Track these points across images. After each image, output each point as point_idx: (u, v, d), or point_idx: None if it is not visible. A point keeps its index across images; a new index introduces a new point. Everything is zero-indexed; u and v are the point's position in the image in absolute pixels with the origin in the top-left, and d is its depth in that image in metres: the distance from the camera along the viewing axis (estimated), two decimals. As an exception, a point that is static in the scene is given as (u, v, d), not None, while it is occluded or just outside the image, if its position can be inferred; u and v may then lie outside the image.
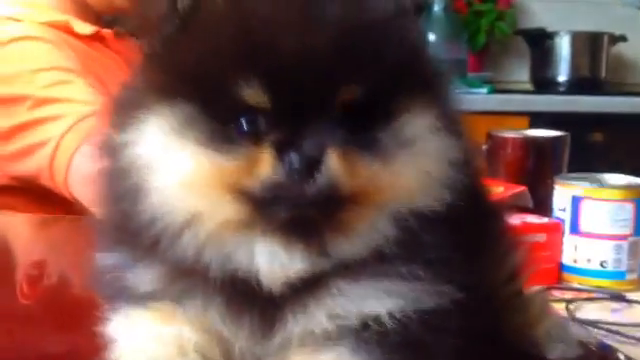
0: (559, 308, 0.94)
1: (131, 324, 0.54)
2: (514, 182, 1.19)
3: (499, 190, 1.11)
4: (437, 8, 2.77)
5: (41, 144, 1.27)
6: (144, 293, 0.54)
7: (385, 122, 0.49)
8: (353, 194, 0.48)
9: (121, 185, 0.52)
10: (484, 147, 1.28)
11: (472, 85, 2.66)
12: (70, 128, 1.25)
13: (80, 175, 1.23)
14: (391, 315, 0.49)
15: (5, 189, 1.37)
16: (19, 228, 1.28)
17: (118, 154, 0.52)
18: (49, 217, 1.31)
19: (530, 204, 1.13)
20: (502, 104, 2.63)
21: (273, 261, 0.50)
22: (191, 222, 0.49)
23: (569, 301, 0.96)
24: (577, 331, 0.84)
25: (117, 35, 1.57)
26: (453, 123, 0.53)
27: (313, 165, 0.46)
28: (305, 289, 0.50)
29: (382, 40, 0.49)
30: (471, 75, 2.79)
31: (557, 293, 1.01)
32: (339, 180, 0.47)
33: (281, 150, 0.47)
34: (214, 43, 0.48)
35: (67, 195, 1.26)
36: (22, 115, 1.30)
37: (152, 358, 0.50)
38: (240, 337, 0.52)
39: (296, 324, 0.50)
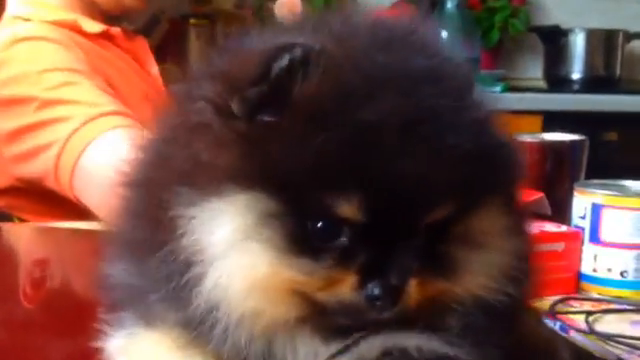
0: (578, 320, 0.91)
1: (139, 347, 0.50)
2: (531, 187, 1.16)
3: (516, 196, 1.08)
4: (450, 5, 2.73)
5: (47, 146, 1.25)
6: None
7: (461, 233, 0.49)
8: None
9: (171, 264, 0.48)
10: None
11: (485, 83, 2.63)
12: (76, 130, 1.23)
13: (86, 178, 1.21)
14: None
15: (11, 190, 1.36)
16: (23, 236, 1.26)
17: (175, 228, 0.47)
18: (52, 226, 1.28)
19: (548, 211, 1.10)
20: (515, 102, 2.59)
21: (312, 354, 0.48)
22: (249, 317, 0.47)
23: (589, 313, 0.94)
24: (594, 346, 0.82)
25: (126, 34, 1.56)
26: (520, 221, 0.55)
27: (395, 298, 0.45)
28: None
29: (484, 169, 0.48)
30: (484, 72, 2.75)
31: (576, 303, 0.99)
32: (410, 305, 0.47)
33: (366, 275, 0.45)
34: (317, 140, 0.44)
35: (72, 197, 1.24)
36: (28, 116, 1.28)
37: None
38: None
39: None
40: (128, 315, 0.53)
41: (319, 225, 0.45)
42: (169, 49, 2.32)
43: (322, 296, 0.46)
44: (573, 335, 0.86)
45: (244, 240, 0.45)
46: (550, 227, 1.03)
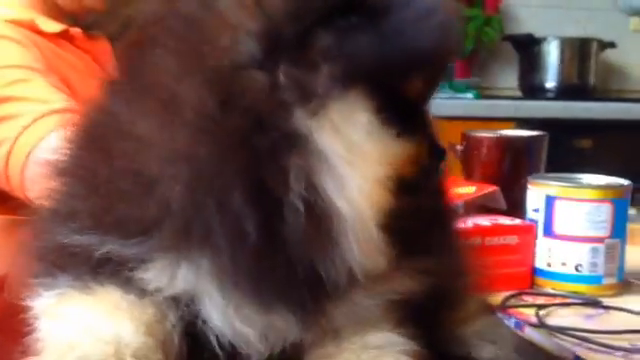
0: (529, 314, 0.89)
1: (65, 308, 0.49)
2: (489, 183, 1.14)
3: (470, 190, 1.06)
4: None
5: None
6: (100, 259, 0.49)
7: None
8: None
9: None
10: (459, 147, 1.23)
11: (458, 90, 2.62)
12: (26, 128, 1.20)
13: (36, 176, 1.18)
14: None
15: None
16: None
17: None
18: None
19: (503, 205, 1.08)
20: (488, 110, 2.59)
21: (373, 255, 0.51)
22: (370, 217, 0.50)
23: (540, 306, 0.92)
24: (543, 338, 0.80)
25: (87, 35, 1.54)
26: None
27: (441, 160, 0.56)
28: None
29: None
30: (458, 81, 2.75)
31: (529, 298, 0.97)
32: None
33: (432, 144, 0.54)
34: (420, 38, 0.50)
35: (23, 197, 1.21)
36: None
37: (83, 355, 0.45)
38: (266, 333, 0.50)
39: (341, 317, 0.52)
40: (64, 277, 0.50)
41: (402, 106, 0.49)
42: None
43: (411, 171, 0.51)
44: (527, 330, 0.84)
45: (374, 138, 0.48)
46: (503, 220, 1.01)
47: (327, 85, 0.47)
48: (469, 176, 1.21)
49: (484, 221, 0.99)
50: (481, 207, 1.05)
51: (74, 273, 0.50)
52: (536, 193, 1.01)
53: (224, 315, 0.49)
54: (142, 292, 0.49)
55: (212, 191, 0.47)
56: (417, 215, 0.52)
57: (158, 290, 0.49)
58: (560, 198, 0.97)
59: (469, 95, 2.61)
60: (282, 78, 0.47)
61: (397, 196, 0.50)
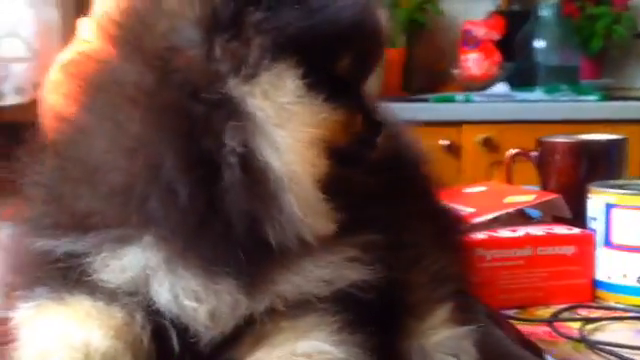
0: (575, 328, 0.85)
1: (41, 319, 0.52)
2: (565, 191, 1.09)
3: (529, 198, 1.02)
4: (546, 13, 2.63)
5: None
6: (92, 280, 0.52)
7: None
8: None
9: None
10: (533, 154, 1.19)
11: (583, 92, 2.50)
12: None
13: None
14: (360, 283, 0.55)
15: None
16: None
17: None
18: None
19: (568, 214, 1.03)
20: (617, 112, 2.45)
21: (318, 217, 0.53)
22: (300, 175, 0.52)
23: (590, 320, 0.87)
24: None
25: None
26: None
27: (380, 128, 0.58)
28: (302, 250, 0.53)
29: None
30: (584, 82, 2.62)
31: (584, 311, 0.92)
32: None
33: (367, 113, 0.57)
34: (344, 17, 0.54)
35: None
36: None
37: None
38: (220, 301, 0.51)
39: (287, 284, 0.53)
40: (40, 289, 0.54)
41: (331, 79, 0.54)
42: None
43: (344, 139, 0.55)
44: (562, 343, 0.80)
45: (302, 101, 0.52)
46: (559, 229, 0.97)
47: (258, 55, 0.51)
48: (544, 184, 1.16)
49: (537, 230, 0.95)
50: (547, 216, 1.01)
51: (49, 285, 0.53)
52: (595, 201, 0.96)
53: (171, 292, 0.51)
54: (110, 298, 0.52)
55: (148, 164, 0.50)
56: (361, 188, 0.56)
57: (116, 286, 0.52)
58: (617, 206, 0.92)
59: (594, 97, 2.48)
60: (217, 52, 0.51)
61: (333, 163, 0.53)
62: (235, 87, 0.51)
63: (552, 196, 1.03)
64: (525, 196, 1.03)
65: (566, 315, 0.90)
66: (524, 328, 0.87)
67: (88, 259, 0.52)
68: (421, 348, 0.58)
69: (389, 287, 0.56)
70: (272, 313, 0.53)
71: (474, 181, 1.37)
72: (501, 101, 2.39)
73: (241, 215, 0.50)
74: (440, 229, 0.71)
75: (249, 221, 0.50)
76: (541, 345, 0.81)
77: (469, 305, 0.65)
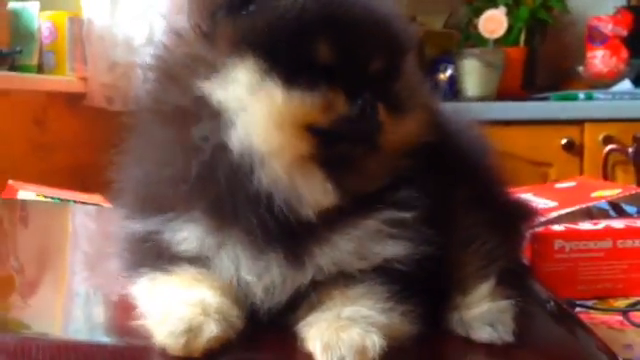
0: None
1: (159, 288, 0.61)
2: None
3: (616, 192, 1.04)
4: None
5: None
6: (174, 256, 0.61)
7: (396, 91, 0.64)
8: (381, 142, 0.61)
9: (207, 129, 0.60)
10: (630, 150, 1.19)
11: None
12: None
13: None
14: (399, 258, 0.60)
15: None
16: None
17: (198, 104, 0.60)
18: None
19: (654, 208, 1.04)
20: None
21: (316, 192, 0.60)
22: (272, 155, 0.59)
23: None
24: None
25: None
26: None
27: (373, 109, 0.60)
28: (329, 225, 0.60)
29: (399, 34, 0.66)
30: None
31: (662, 304, 0.93)
32: (383, 125, 0.61)
33: (351, 95, 0.60)
34: (294, 8, 0.60)
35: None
36: None
37: (180, 318, 0.56)
38: (269, 276, 0.59)
39: (323, 257, 0.59)
40: (146, 269, 0.63)
41: (310, 70, 0.59)
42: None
43: (324, 119, 0.59)
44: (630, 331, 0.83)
45: (256, 89, 0.59)
46: (637, 222, 0.98)
47: (222, 56, 0.59)
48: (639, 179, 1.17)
49: (618, 223, 0.97)
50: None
51: (148, 265, 0.63)
52: (679, 195, 0.96)
53: (233, 271, 0.60)
54: (204, 264, 0.61)
55: (174, 163, 0.61)
56: (364, 161, 0.61)
57: (194, 255, 0.60)
58: (699, 200, 0.93)
59: None
60: (197, 53, 0.61)
61: (318, 141, 0.59)
62: (201, 86, 0.59)
63: (637, 190, 1.04)
64: (611, 191, 1.05)
65: (642, 306, 0.92)
66: (599, 317, 0.90)
67: (162, 235, 0.62)
68: (461, 319, 0.63)
69: (437, 263, 0.61)
70: (324, 284, 0.60)
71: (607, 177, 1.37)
72: (625, 99, 2.33)
73: (254, 198, 0.58)
74: (500, 216, 0.75)
75: (256, 199, 0.58)
76: (609, 332, 0.84)
77: (514, 283, 0.69)
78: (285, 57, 0.59)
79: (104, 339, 0.65)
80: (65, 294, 0.82)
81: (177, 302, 0.57)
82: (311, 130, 0.59)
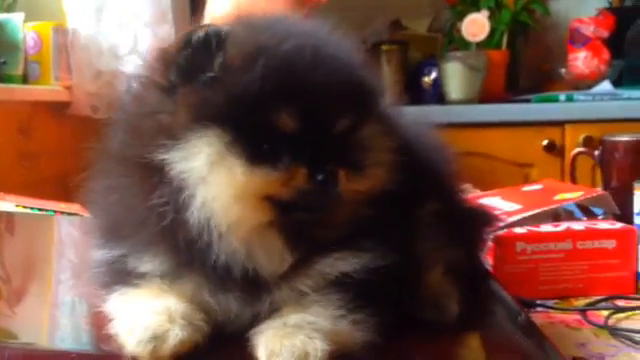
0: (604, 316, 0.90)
1: (128, 300, 0.64)
2: (624, 189, 1.13)
3: (578, 195, 1.07)
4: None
5: None
6: (141, 274, 0.64)
7: (360, 144, 0.65)
8: (343, 200, 0.62)
9: (160, 205, 0.61)
10: (596, 153, 1.22)
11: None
12: None
13: None
14: (354, 272, 0.63)
15: None
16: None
17: (164, 170, 0.61)
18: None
19: (615, 210, 1.07)
20: None
21: (274, 258, 0.62)
22: (231, 226, 0.61)
23: (617, 310, 0.91)
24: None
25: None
26: (389, 126, 0.69)
27: (334, 181, 0.61)
28: (291, 271, 0.62)
29: (363, 89, 0.66)
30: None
31: (621, 302, 0.96)
32: (343, 190, 0.62)
33: (312, 166, 0.61)
34: (248, 78, 0.60)
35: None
36: None
37: (146, 327, 0.59)
38: (228, 307, 0.62)
39: (282, 293, 0.62)
40: (118, 287, 0.66)
41: (270, 139, 0.60)
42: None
43: (285, 192, 0.60)
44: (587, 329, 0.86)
45: (218, 162, 0.60)
46: (602, 224, 1.01)
47: (184, 126, 0.60)
48: (606, 182, 1.20)
49: (578, 225, 1.00)
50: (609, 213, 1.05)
51: (120, 284, 0.65)
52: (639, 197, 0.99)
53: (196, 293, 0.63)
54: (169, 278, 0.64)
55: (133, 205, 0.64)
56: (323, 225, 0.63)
57: (159, 274, 0.63)
58: (655, 201, 0.95)
59: None
60: (158, 118, 0.62)
61: (277, 211, 0.60)
62: (163, 151, 0.60)
63: (598, 192, 1.07)
64: (573, 193, 1.07)
65: (602, 305, 0.95)
66: (558, 316, 0.93)
67: (128, 259, 0.65)
68: (430, 297, 0.68)
69: (393, 273, 0.63)
70: (284, 297, 0.62)
71: (577, 180, 1.39)
72: (605, 100, 2.36)
73: (206, 261, 0.61)
74: (460, 223, 0.79)
75: (213, 267, 0.61)
76: (566, 331, 0.87)
77: (465, 275, 0.73)
78: (246, 129, 0.60)
79: (88, 347, 0.67)
80: (51, 303, 0.84)
81: (144, 312, 0.61)
82: (270, 200, 0.60)
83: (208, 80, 0.61)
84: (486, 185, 1.96)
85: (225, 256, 0.61)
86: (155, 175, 0.61)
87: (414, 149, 0.74)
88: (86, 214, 1.26)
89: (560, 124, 2.33)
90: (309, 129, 0.61)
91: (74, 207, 1.28)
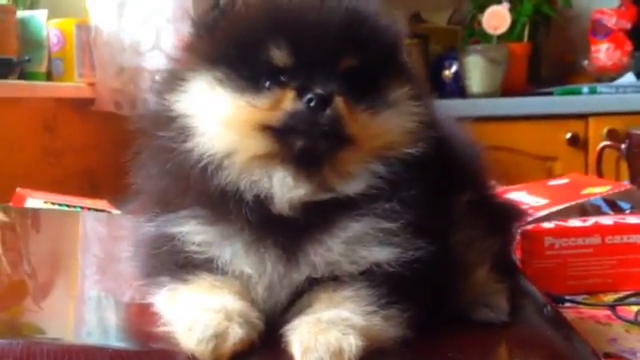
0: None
1: (181, 297, 0.64)
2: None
3: (605, 189, 1.06)
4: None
5: None
6: (189, 256, 0.65)
7: (375, 89, 0.66)
8: (351, 136, 0.63)
9: (173, 135, 0.65)
10: (623, 146, 1.22)
11: None
12: None
13: None
14: (388, 262, 0.63)
15: None
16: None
17: (170, 112, 0.66)
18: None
19: (642, 204, 1.06)
20: None
21: (283, 186, 0.63)
22: (229, 155, 0.63)
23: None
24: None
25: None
26: (421, 97, 0.69)
27: (324, 101, 0.62)
28: (318, 223, 0.63)
29: (373, 33, 0.66)
30: None
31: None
32: (342, 118, 0.62)
33: (300, 91, 0.62)
34: (250, 20, 0.66)
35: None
36: None
37: (206, 325, 0.59)
38: (267, 272, 0.63)
39: (316, 256, 0.63)
40: (165, 278, 0.67)
41: (264, 73, 0.63)
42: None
43: (274, 117, 0.62)
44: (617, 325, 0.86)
45: (209, 96, 0.64)
46: (631, 219, 1.00)
47: (190, 69, 0.66)
48: (633, 175, 1.19)
49: (607, 220, 1.00)
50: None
51: (166, 273, 0.66)
52: (668, 192, 0.99)
53: (235, 265, 0.64)
54: (222, 271, 0.64)
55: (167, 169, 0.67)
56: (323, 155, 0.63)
57: (205, 258, 0.64)
58: (685, 196, 0.95)
59: None
60: (174, 68, 0.69)
61: (272, 139, 0.62)
62: (169, 97, 0.66)
63: (626, 187, 1.06)
64: (601, 187, 1.07)
65: (632, 300, 0.95)
66: (587, 312, 0.92)
67: (170, 232, 0.65)
68: (464, 301, 0.67)
69: (429, 267, 0.63)
70: (315, 286, 0.63)
71: (601, 174, 1.39)
72: (629, 92, 2.34)
73: (220, 192, 0.63)
74: (492, 217, 0.79)
75: (227, 195, 0.63)
76: (596, 327, 0.87)
77: (506, 270, 0.73)
78: (239, 64, 0.64)
79: (115, 343, 0.66)
80: (77, 298, 0.85)
81: (201, 309, 0.61)
82: (266, 129, 0.62)
83: (212, 25, 0.67)
84: (509, 179, 1.96)
85: (232, 185, 0.62)
86: (166, 120, 0.66)
87: (449, 141, 0.74)
88: (113, 210, 1.28)
89: (583, 117, 2.32)
90: (302, 62, 0.63)
91: (100, 203, 1.29)
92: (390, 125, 0.65)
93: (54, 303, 0.79)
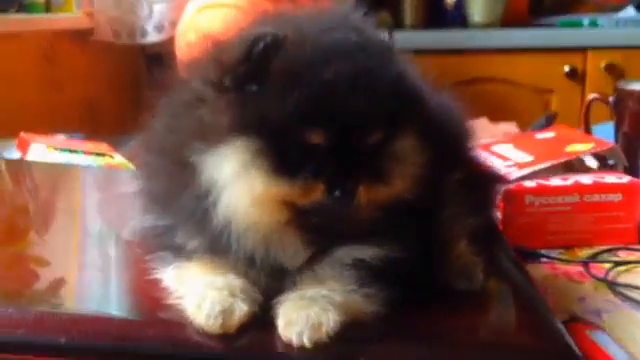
0: (605, 269, 0.94)
1: (184, 275, 0.69)
2: (637, 137, 1.15)
3: (589, 147, 1.10)
4: None
5: None
6: (188, 250, 0.70)
7: (386, 149, 0.67)
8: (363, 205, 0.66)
9: (195, 199, 0.67)
10: (610, 99, 1.24)
11: None
12: None
13: None
14: (371, 258, 0.68)
15: None
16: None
17: (195, 171, 0.66)
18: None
19: (625, 162, 1.10)
20: None
21: (293, 252, 0.68)
22: (252, 225, 0.66)
23: (622, 263, 0.96)
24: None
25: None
26: (430, 136, 0.70)
27: (350, 198, 0.64)
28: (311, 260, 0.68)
29: (401, 108, 0.67)
30: None
31: (623, 254, 1.00)
32: (362, 206, 0.66)
33: (331, 185, 0.64)
34: (288, 96, 0.63)
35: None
36: None
37: (213, 302, 0.64)
38: (259, 283, 0.68)
39: (302, 276, 0.68)
40: (166, 254, 0.72)
41: (296, 152, 0.64)
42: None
43: (303, 202, 0.64)
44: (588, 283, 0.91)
45: (244, 170, 0.64)
46: (610, 178, 1.04)
47: (219, 132, 0.64)
48: (618, 130, 1.22)
49: (586, 179, 1.04)
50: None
51: (172, 254, 0.71)
52: (646, 151, 1.02)
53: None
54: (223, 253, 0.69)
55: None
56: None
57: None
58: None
59: None
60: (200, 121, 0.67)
61: (292, 212, 0.65)
62: (198, 154, 0.65)
63: (609, 145, 1.09)
64: (584, 145, 1.10)
65: (605, 257, 0.99)
66: (561, 267, 0.98)
67: (173, 232, 0.70)
68: (447, 271, 0.73)
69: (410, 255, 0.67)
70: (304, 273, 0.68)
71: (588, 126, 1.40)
72: (629, 26, 2.34)
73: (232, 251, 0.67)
74: (474, 184, 0.82)
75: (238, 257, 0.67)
76: (569, 285, 0.92)
77: (485, 241, 0.78)
78: (275, 142, 0.63)
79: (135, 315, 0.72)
80: (78, 234, 0.92)
81: (207, 287, 0.66)
82: (290, 205, 0.65)
83: (252, 90, 0.64)
84: (506, 112, 1.99)
85: (247, 253, 0.67)
86: (189, 172, 0.66)
87: (438, 123, 0.76)
88: (113, 152, 1.32)
89: (582, 50, 2.32)
90: (337, 145, 0.64)
91: (102, 147, 1.33)
92: (398, 187, 0.68)
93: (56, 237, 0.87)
